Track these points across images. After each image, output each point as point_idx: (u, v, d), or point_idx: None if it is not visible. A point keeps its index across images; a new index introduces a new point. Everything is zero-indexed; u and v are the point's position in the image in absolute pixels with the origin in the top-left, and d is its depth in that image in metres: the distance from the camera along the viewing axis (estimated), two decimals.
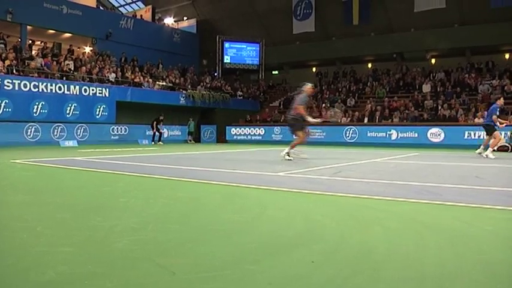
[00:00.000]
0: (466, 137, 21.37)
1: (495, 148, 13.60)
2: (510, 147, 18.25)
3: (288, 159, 10.59)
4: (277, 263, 2.71)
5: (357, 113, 26.94)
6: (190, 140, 28.12)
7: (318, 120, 11.24)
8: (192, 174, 7.76)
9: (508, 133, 19.33)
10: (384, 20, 31.13)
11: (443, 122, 23.11)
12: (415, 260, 2.75)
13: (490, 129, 13.28)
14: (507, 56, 29.88)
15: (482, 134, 20.56)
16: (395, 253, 2.91)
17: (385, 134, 23.67)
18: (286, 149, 10.93)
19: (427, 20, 29.03)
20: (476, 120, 22.15)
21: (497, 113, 13.12)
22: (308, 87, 11.23)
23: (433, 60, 32.39)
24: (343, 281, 2.38)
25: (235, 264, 2.67)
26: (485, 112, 16.13)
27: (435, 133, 22.20)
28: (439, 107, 24.84)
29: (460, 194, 5.68)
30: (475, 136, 21.08)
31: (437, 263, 2.70)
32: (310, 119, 10.92)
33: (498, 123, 12.99)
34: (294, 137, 11.05)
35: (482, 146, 13.58)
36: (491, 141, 13.24)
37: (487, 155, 12.83)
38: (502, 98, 14.35)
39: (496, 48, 29.36)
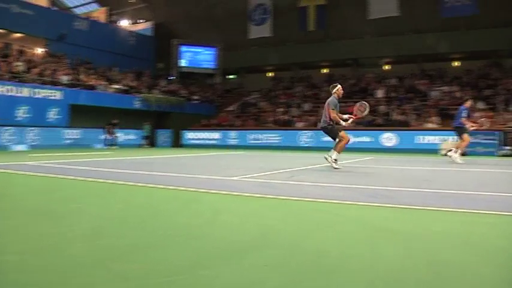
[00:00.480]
0: (417, 141, 21.92)
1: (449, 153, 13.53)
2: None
3: (336, 168, 9.80)
4: (231, 268, 2.71)
5: (312, 118, 27.23)
6: (145, 145, 27.76)
7: (350, 121, 10.21)
8: (146, 179, 7.67)
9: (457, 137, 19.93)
10: (339, 27, 31.61)
11: (396, 126, 23.63)
12: (367, 263, 2.81)
13: (459, 131, 13.21)
14: (456, 63, 30.97)
15: (434, 138, 21.28)
16: (348, 256, 2.97)
17: None
18: (333, 155, 10.03)
19: (381, 28, 29.73)
20: (428, 125, 22.76)
21: (466, 115, 13.14)
22: (337, 89, 10.42)
23: (386, 67, 33.16)
24: (297, 285, 2.41)
25: (190, 269, 2.66)
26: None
27: (388, 137, 22.68)
28: (392, 112, 25.40)
29: (411, 197, 5.83)
30: (425, 140, 21.67)
31: (388, 265, 2.76)
32: (343, 122, 10.17)
33: (468, 125, 12.97)
34: (336, 140, 10.23)
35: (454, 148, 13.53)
36: (460, 143, 13.29)
37: (452, 158, 12.95)
38: (470, 100, 14.10)
39: (446, 56, 30.45)
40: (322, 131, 10.64)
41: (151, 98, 28.81)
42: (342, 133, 10.09)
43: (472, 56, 29.78)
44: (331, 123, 10.05)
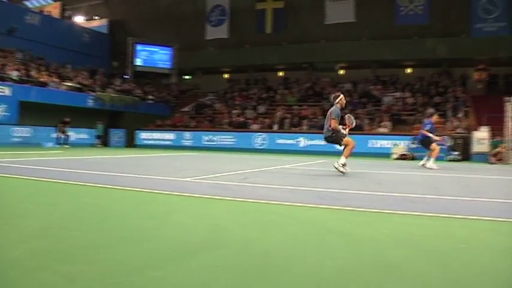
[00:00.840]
0: (370, 145, 22.34)
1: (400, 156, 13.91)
2: (411, 156, 19.35)
3: (342, 172, 9.84)
4: (182, 268, 2.72)
5: (267, 120, 27.41)
6: (98, 144, 27.22)
7: (347, 130, 10.46)
8: (98, 179, 7.54)
9: (408, 142, 20.50)
10: (296, 30, 31.88)
11: (350, 130, 23.94)
12: (315, 264, 2.86)
13: (426, 143, 13.44)
14: (409, 70, 31.82)
15: (386, 142, 21.76)
16: (297, 257, 3.01)
17: (293, 141, 24.22)
18: (341, 160, 10.06)
19: (337, 33, 30.17)
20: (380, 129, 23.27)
21: (429, 129, 13.41)
22: (340, 98, 10.52)
23: (341, 71, 33.64)
24: (245, 286, 2.43)
25: (140, 270, 2.65)
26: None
27: None
28: (346, 117, 25.76)
29: (361, 199, 5.95)
30: (378, 145, 22.14)
31: (336, 266, 2.82)
32: (343, 131, 10.37)
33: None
34: (341, 147, 10.48)
35: (425, 158, 13.69)
36: (431, 153, 13.41)
37: (430, 167, 12.98)
38: (436, 115, 14.30)
39: (399, 63, 31.24)
40: (326, 141, 10.74)
41: (105, 96, 28.31)
42: (347, 139, 10.27)
43: (424, 64, 30.68)
44: (334, 132, 10.20)
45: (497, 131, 19.86)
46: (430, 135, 13.36)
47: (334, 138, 10.35)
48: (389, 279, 2.62)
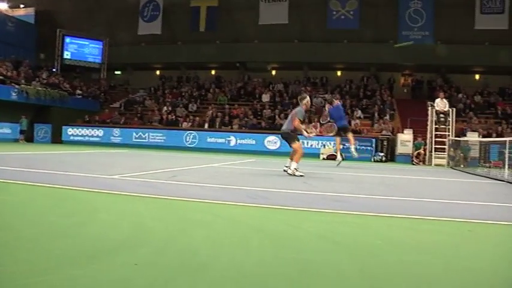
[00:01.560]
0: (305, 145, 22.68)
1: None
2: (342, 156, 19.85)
3: (301, 175, 9.63)
4: (101, 266, 2.67)
5: (198, 118, 27.29)
6: (21, 139, 26.04)
7: (312, 135, 10.88)
8: (19, 176, 7.24)
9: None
10: (230, 30, 31.93)
11: (279, 130, 24.23)
12: (236, 261, 2.89)
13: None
14: (339, 73, 32.68)
15: (315, 143, 22.16)
16: (219, 254, 3.03)
17: (224, 140, 24.24)
18: (292, 166, 9.94)
19: (270, 34, 30.49)
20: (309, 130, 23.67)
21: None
22: (306, 101, 10.51)
23: (273, 72, 34.03)
24: (165, 283, 2.43)
25: (57, 269, 2.58)
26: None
27: (272, 141, 23.27)
28: (276, 117, 26.13)
29: (287, 198, 6.06)
30: (308, 145, 22.51)
31: (257, 263, 2.87)
32: (305, 133, 10.54)
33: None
34: (292, 149, 10.38)
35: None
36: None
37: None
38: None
39: (329, 65, 31.96)
40: (281, 135, 11.00)
41: (31, 90, 27.15)
42: (298, 145, 10.26)
43: (353, 68, 31.58)
44: (294, 131, 10.30)
45: (420, 133, 20.84)
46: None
47: (290, 137, 10.42)
48: (307, 274, 2.69)
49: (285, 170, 10.03)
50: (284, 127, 10.52)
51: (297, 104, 10.71)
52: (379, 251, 3.36)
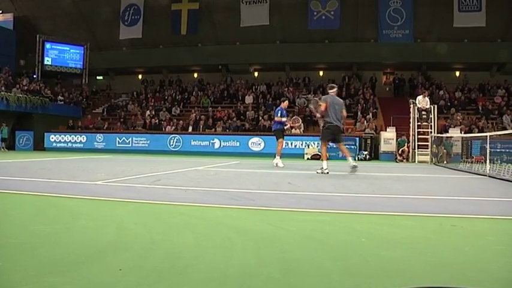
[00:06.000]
0: (284, 146, 22.64)
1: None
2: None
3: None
4: (83, 273, 2.63)
5: (181, 122, 27.23)
6: (2, 148, 25.80)
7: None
8: None
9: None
10: (211, 32, 32.00)
11: (263, 132, 24.34)
12: (220, 262, 2.88)
13: (276, 135, 13.90)
14: (321, 73, 32.88)
15: (299, 143, 22.26)
16: (203, 257, 3.02)
17: (208, 142, 24.22)
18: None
19: (252, 35, 30.61)
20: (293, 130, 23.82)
21: (281, 116, 13.61)
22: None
23: (256, 73, 34.13)
24: (149, 286, 2.41)
25: (38, 277, 2.53)
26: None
27: (256, 142, 23.31)
28: (260, 118, 26.18)
29: (272, 199, 6.07)
30: (292, 146, 22.59)
31: (241, 264, 2.86)
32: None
33: (287, 123, 14.34)
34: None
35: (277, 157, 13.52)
36: (277, 148, 13.60)
37: (276, 164, 13.07)
38: (286, 101, 15.17)
39: (311, 66, 32.14)
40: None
41: (11, 97, 26.83)
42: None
43: (335, 67, 31.78)
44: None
45: (402, 131, 21.04)
46: (289, 122, 14.86)
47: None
48: (290, 273, 2.68)
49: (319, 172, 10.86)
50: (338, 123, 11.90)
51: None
52: (363, 249, 3.37)
